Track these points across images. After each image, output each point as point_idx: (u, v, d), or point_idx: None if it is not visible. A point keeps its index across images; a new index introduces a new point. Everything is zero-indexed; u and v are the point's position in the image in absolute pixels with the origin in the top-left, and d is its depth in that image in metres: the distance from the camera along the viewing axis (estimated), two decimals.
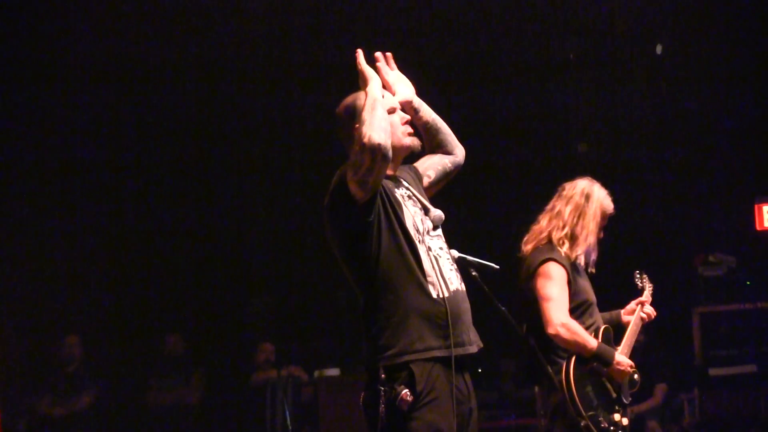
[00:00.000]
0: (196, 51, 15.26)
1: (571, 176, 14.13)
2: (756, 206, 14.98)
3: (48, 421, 14.39)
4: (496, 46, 15.28)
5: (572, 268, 8.18)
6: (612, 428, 8.00)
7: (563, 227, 8.30)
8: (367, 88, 6.22)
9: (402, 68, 6.62)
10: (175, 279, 16.11)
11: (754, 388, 14.13)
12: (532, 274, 8.20)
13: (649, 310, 8.61)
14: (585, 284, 8.25)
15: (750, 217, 15.00)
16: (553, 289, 8.07)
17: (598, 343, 8.06)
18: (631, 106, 15.48)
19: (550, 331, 7.99)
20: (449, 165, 6.62)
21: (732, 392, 14.14)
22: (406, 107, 6.46)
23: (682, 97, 15.19)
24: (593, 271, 8.40)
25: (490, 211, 14.98)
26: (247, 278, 16.26)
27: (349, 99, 6.42)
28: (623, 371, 8.10)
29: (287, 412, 14.16)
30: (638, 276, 8.75)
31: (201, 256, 16.14)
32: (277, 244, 15.78)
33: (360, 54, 6.29)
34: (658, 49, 15.43)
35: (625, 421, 8.10)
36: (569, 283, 8.13)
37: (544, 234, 8.33)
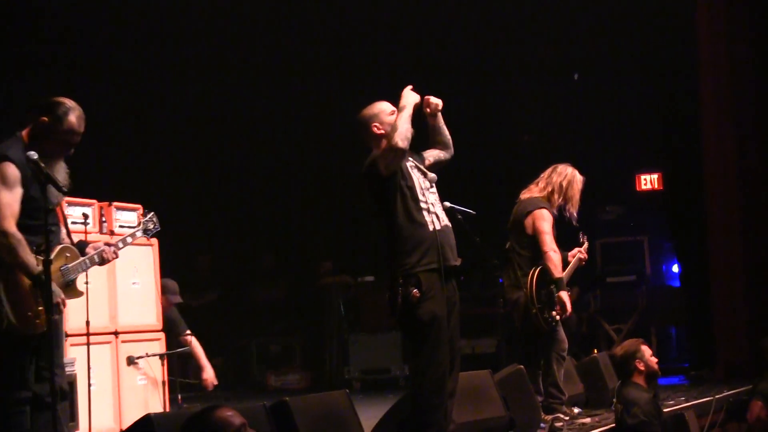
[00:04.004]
0: None
1: (519, 158, 14.17)
2: (636, 175, 15.31)
3: (189, 309, 14.58)
4: (466, 60, 15.22)
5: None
6: (550, 319, 8.17)
7: (554, 191, 8.49)
8: (407, 103, 6.24)
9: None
10: (268, 217, 15.86)
11: (633, 289, 14.37)
12: (529, 212, 8.37)
13: (584, 256, 8.86)
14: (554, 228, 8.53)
15: (632, 182, 15.32)
16: (547, 225, 8.25)
17: (562, 275, 8.25)
18: (559, 110, 15.60)
19: (545, 249, 8.18)
20: (442, 156, 6.63)
21: (620, 292, 14.33)
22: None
23: (590, 106, 15.32)
24: (576, 224, 8.66)
25: (468, 179, 14.90)
26: (315, 218, 16.02)
27: (365, 110, 6.45)
28: (563, 302, 8.19)
29: (341, 305, 14.28)
30: (581, 235, 8.97)
31: (287, 202, 15.87)
32: (337, 198, 15.42)
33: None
34: (575, 75, 15.59)
35: (557, 317, 8.23)
36: (553, 226, 8.39)
37: (540, 191, 8.52)
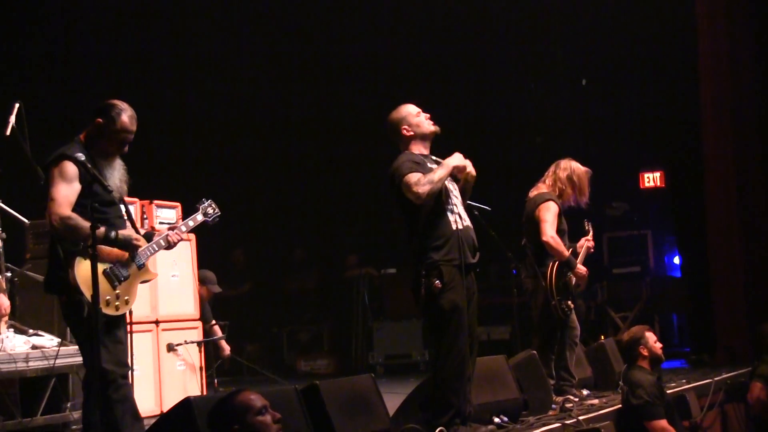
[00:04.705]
0: None
1: (532, 158, 14.09)
2: (640, 173, 15.22)
3: (224, 297, 14.57)
4: (484, 67, 15.07)
5: (561, 208, 8.42)
6: (566, 309, 8.15)
7: (565, 186, 8.41)
8: (449, 162, 6.29)
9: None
10: (299, 214, 15.83)
11: (638, 280, 14.28)
12: (538, 205, 8.28)
13: (591, 243, 8.75)
14: (563, 219, 8.48)
15: (636, 180, 15.23)
16: (550, 215, 8.16)
17: (569, 254, 8.22)
18: (568, 113, 15.55)
19: (544, 238, 8.09)
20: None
21: (626, 282, 14.18)
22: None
23: (597, 109, 15.27)
24: (586, 208, 8.57)
25: (485, 178, 14.78)
26: (342, 215, 15.82)
27: (393, 113, 6.46)
28: (581, 274, 8.26)
29: (365, 295, 14.25)
30: (586, 223, 8.92)
31: (317, 200, 15.75)
32: (362, 197, 15.17)
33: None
34: (583, 81, 15.52)
35: (572, 306, 8.23)
36: (558, 216, 8.33)
37: (548, 187, 8.43)
